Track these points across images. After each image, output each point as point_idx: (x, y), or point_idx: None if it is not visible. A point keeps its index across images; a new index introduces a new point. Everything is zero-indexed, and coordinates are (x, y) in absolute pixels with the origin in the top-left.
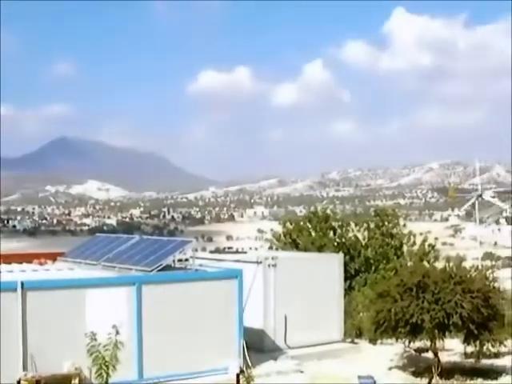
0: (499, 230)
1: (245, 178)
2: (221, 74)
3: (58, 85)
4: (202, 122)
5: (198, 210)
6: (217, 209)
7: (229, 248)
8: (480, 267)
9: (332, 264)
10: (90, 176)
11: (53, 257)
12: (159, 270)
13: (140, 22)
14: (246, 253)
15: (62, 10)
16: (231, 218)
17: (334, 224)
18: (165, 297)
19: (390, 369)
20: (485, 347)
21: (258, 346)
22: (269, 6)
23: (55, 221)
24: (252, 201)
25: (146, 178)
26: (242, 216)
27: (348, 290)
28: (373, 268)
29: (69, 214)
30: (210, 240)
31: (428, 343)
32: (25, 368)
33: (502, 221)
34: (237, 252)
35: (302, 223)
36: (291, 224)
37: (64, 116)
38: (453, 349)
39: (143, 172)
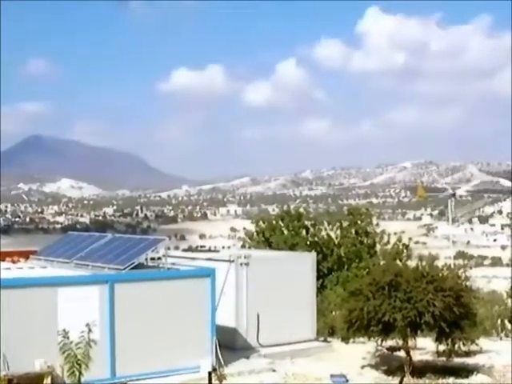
0: (472, 229)
1: (218, 176)
2: (194, 72)
3: (31, 83)
4: (175, 121)
5: (170, 208)
6: (190, 207)
7: (201, 247)
8: (452, 266)
9: (304, 263)
10: (64, 174)
11: (25, 255)
12: (132, 269)
13: (113, 21)
14: (218, 251)
15: (36, 7)
16: (204, 217)
17: (306, 223)
18: (137, 295)
19: (363, 367)
20: (456, 346)
21: (230, 345)
22: (242, 5)
23: (28, 219)
24: (225, 199)
25: (119, 176)
26: (214, 214)
27: (320, 289)
28: (345, 267)
29: (42, 212)
30: (183, 238)
31: (400, 342)
32: None
33: (475, 220)
34: (209, 250)
35: (274, 222)
36: (264, 223)
37: (38, 114)
38: (425, 347)
39: (117, 171)
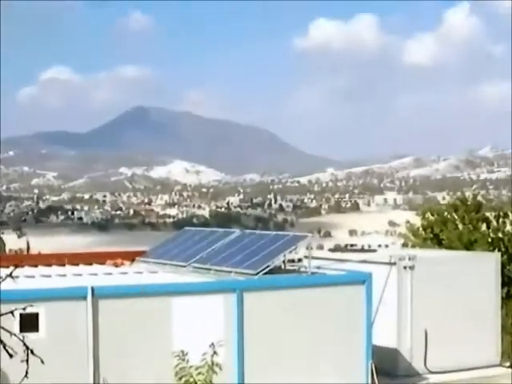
0: None
1: (372, 156)
2: (338, 24)
3: (132, 42)
4: (313, 87)
5: (312, 197)
6: (336, 196)
7: (353, 245)
8: None
9: (485, 265)
10: (176, 155)
11: (130, 256)
12: (265, 273)
13: None
14: (375, 251)
15: None
16: (355, 208)
17: (487, 214)
18: (273, 307)
19: None
20: None
21: (390, 370)
22: None
23: (132, 211)
24: (381, 185)
25: (245, 156)
26: (368, 204)
27: (506, 299)
28: None
29: (149, 203)
30: (329, 235)
31: None
32: None
33: None
34: (363, 250)
35: (445, 213)
36: (432, 215)
37: (141, 81)
38: None
39: (242, 149)
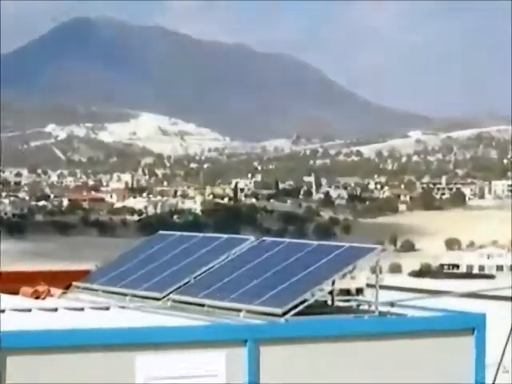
0: None
1: (486, 113)
2: None
3: None
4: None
5: (383, 180)
6: (426, 179)
7: (452, 267)
8: None
9: None
10: (144, 103)
11: (63, 280)
12: (299, 314)
13: None
14: (492, 277)
15: None
16: (458, 200)
17: None
18: (310, 370)
19: None
20: None
21: None
22: None
23: (66, 201)
24: (504, 162)
25: (267, 108)
26: (480, 195)
27: None
28: None
29: (96, 189)
30: (411, 248)
31: None
32: None
33: None
34: (471, 276)
35: None
36: None
37: None
38: None
39: (261, 96)
